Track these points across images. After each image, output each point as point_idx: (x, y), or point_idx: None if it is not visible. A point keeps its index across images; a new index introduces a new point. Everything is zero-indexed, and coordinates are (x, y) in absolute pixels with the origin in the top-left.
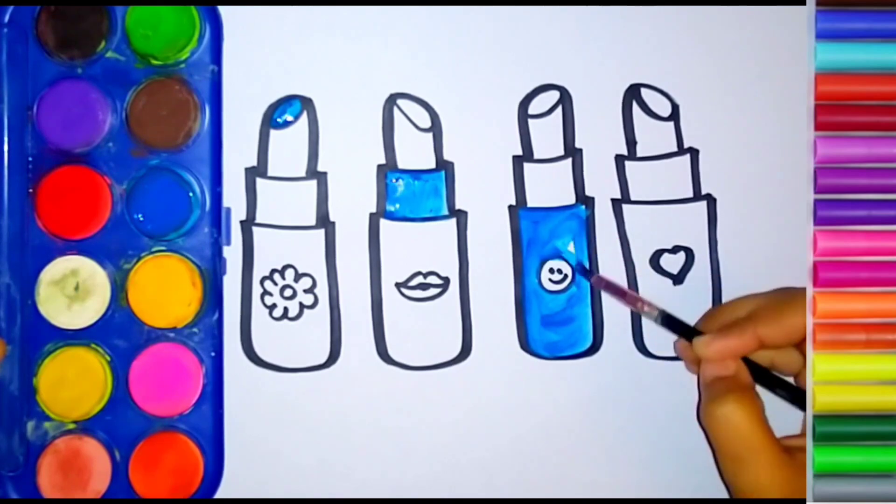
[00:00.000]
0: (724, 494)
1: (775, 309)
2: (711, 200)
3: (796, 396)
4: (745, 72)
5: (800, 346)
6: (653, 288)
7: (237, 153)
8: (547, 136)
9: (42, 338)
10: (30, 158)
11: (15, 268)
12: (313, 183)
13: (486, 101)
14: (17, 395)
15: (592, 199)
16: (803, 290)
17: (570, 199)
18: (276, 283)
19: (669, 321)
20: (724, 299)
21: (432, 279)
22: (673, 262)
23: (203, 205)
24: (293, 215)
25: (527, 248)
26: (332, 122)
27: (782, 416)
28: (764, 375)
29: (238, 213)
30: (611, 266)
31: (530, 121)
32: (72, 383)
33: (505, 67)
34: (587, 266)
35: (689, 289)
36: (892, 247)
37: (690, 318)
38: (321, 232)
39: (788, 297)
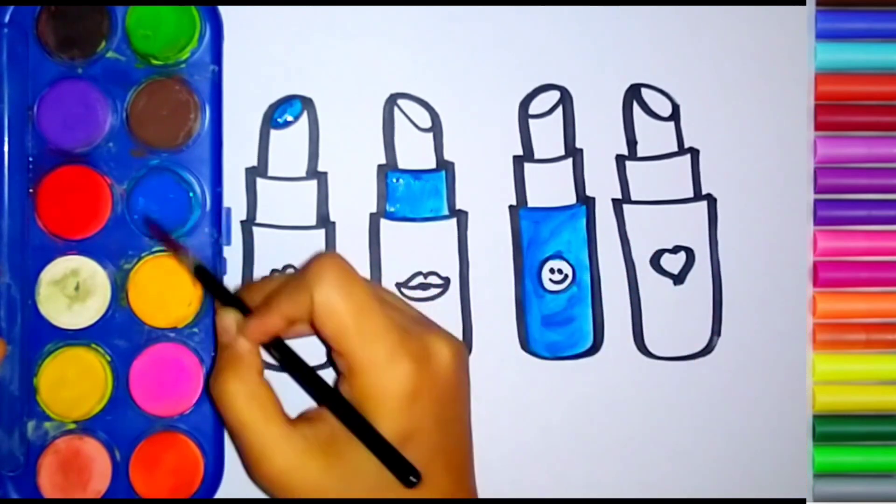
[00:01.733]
0: (723, 494)
1: (294, 284)
2: (711, 200)
3: (312, 384)
4: (745, 72)
5: (312, 324)
6: (653, 288)
7: (237, 153)
8: (547, 136)
9: (42, 338)
10: (30, 158)
11: (15, 268)
12: (313, 183)
13: (487, 101)
14: (17, 395)
15: (593, 199)
16: (318, 262)
17: (571, 199)
18: None
19: (204, 276)
20: (725, 299)
21: (433, 279)
22: (673, 262)
23: (203, 205)
24: (293, 215)
25: (527, 248)
26: (332, 122)
27: (783, 415)
28: (286, 358)
29: (238, 213)
30: (611, 266)
31: (531, 121)
32: (72, 383)
33: (505, 67)
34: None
35: (690, 289)
36: (892, 247)
37: (691, 319)
38: (321, 232)
39: (302, 272)
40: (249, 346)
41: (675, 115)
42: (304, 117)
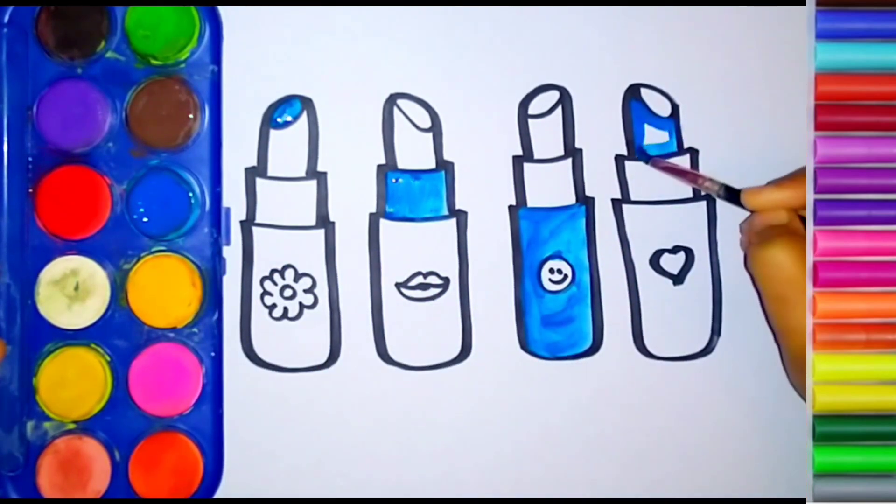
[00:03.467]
0: (723, 494)
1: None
2: (711, 200)
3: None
4: (745, 72)
5: None
6: (653, 288)
7: (237, 153)
8: (547, 137)
9: (42, 338)
10: (30, 158)
11: (15, 268)
12: (313, 183)
13: (486, 101)
14: (17, 395)
15: (593, 199)
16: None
17: (571, 199)
18: (275, 283)
19: (730, 193)
20: (725, 299)
21: (432, 279)
22: (673, 262)
23: (203, 205)
24: (293, 215)
25: (527, 248)
26: (332, 122)
27: (783, 415)
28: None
29: (238, 213)
30: (610, 266)
31: (530, 121)
32: (72, 383)
33: (505, 67)
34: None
35: (689, 289)
36: (892, 247)
37: (691, 319)
38: (321, 232)
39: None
40: (801, 229)
41: (674, 115)
42: (304, 117)
